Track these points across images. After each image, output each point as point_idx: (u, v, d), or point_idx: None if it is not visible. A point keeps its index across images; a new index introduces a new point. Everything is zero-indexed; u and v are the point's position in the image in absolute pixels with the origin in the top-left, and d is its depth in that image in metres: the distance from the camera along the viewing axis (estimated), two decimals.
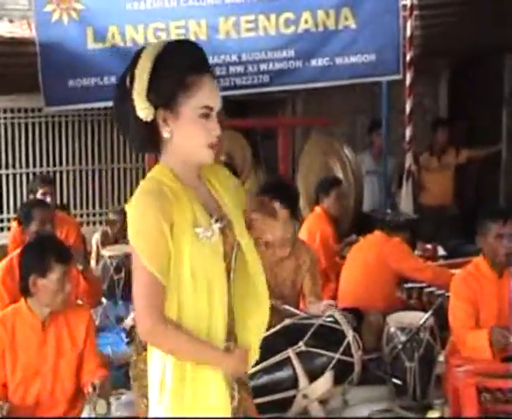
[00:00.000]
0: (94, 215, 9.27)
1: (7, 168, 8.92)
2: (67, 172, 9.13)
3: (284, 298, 4.72)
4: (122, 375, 4.81)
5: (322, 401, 4.18)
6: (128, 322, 5.56)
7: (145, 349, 2.33)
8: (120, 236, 6.89)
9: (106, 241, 6.90)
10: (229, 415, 2.30)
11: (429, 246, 6.72)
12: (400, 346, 4.37)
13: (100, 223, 9.06)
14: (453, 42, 8.13)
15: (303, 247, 5.05)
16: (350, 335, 4.28)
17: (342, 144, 7.65)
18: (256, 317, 2.43)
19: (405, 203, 7.35)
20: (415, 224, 6.37)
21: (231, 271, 2.36)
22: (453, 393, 4.01)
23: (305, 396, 4.07)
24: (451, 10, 7.58)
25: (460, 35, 7.91)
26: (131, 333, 5.42)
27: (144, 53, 2.24)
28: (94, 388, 3.45)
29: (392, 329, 4.52)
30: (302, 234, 6.25)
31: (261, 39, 6.97)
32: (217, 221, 2.28)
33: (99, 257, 6.63)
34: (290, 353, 4.09)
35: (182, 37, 6.75)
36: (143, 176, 7.70)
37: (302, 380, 4.06)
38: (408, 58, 7.18)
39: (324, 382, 4.10)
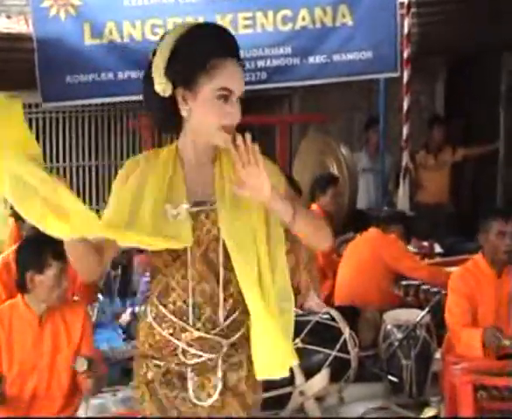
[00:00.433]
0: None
1: None
2: (64, 168, 9.11)
3: None
4: (119, 371, 4.82)
5: (319, 399, 4.19)
6: (124, 318, 5.57)
7: None
8: None
9: None
10: None
11: (425, 244, 6.73)
12: (397, 344, 4.39)
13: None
14: (451, 40, 8.13)
15: (301, 244, 5.07)
16: (347, 332, 4.29)
17: (339, 142, 7.66)
18: (263, 338, 2.33)
19: (402, 201, 7.36)
20: (408, 218, 6.38)
21: (213, 259, 2.31)
22: (450, 390, 4.02)
23: (301, 393, 4.08)
24: (448, 8, 7.58)
25: (457, 33, 7.91)
26: (128, 329, 5.43)
27: (172, 31, 2.28)
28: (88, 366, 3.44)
29: (389, 326, 4.53)
30: None
31: (258, 36, 6.97)
32: (195, 204, 2.28)
33: None
34: None
35: None
36: None
37: (299, 377, 4.07)
38: (405, 55, 7.19)
39: (320, 379, 4.11)
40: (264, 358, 2.34)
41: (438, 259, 6.37)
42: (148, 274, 3.94)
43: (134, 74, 6.80)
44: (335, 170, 7.34)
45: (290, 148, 8.69)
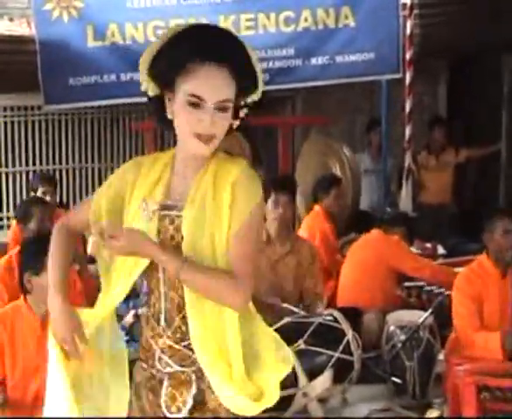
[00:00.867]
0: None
1: (7, 166, 8.92)
2: (67, 170, 9.13)
3: (286, 295, 4.72)
4: None
5: (322, 400, 4.18)
6: (127, 320, 5.56)
7: None
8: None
9: None
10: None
11: (429, 245, 6.73)
12: (400, 345, 4.38)
13: None
14: (453, 41, 8.13)
15: (304, 243, 5.07)
16: (350, 334, 4.28)
17: (341, 144, 7.66)
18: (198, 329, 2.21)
19: (405, 202, 7.35)
20: (411, 220, 6.37)
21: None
22: (453, 391, 4.02)
23: (304, 395, 4.07)
24: (450, 10, 7.58)
25: (459, 34, 7.92)
26: (130, 331, 5.43)
27: (169, 29, 2.23)
28: None
29: (392, 328, 4.52)
30: (302, 233, 6.25)
31: (261, 37, 6.97)
32: (164, 208, 2.25)
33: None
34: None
35: None
36: None
37: (302, 378, 4.06)
38: (408, 56, 7.18)
39: (323, 381, 4.11)
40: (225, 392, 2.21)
41: (441, 260, 6.37)
42: None
43: (136, 76, 6.73)
44: (337, 171, 7.33)
45: (292, 150, 8.70)
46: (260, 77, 2.26)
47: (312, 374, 4.09)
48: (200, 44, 2.15)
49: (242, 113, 2.31)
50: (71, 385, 2.35)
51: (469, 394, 3.80)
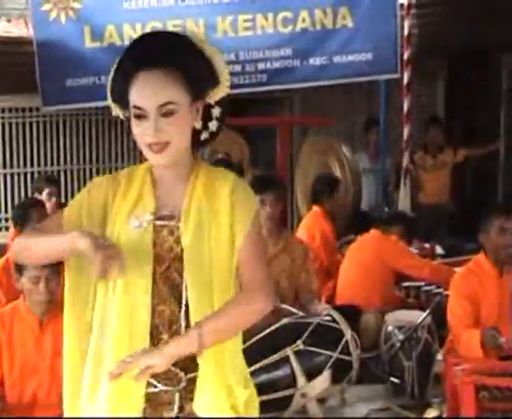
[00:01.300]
0: None
1: (4, 167, 8.91)
2: (65, 171, 9.12)
3: (281, 293, 4.72)
4: None
5: (321, 400, 4.18)
6: None
7: None
8: None
9: None
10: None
11: (427, 245, 6.73)
12: (398, 345, 4.38)
13: None
14: (450, 41, 8.14)
15: (296, 241, 5.08)
16: (348, 334, 4.28)
17: (341, 143, 7.66)
18: (212, 372, 2.13)
19: (403, 202, 7.36)
20: (409, 219, 6.37)
21: (175, 280, 2.15)
22: (451, 391, 4.01)
23: (303, 395, 4.07)
24: (448, 9, 7.58)
25: (457, 34, 7.92)
26: None
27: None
28: None
29: (390, 328, 4.52)
30: (301, 233, 6.25)
31: (259, 38, 6.97)
32: (160, 218, 2.16)
33: None
34: (288, 351, 4.09)
35: None
36: None
37: (300, 378, 4.06)
38: (405, 56, 7.19)
39: (322, 381, 4.10)
40: (204, 395, 2.14)
41: (439, 260, 6.38)
42: None
43: None
44: (337, 171, 7.34)
45: (290, 150, 8.70)
46: (223, 72, 2.17)
47: (311, 375, 4.09)
48: (136, 54, 2.10)
49: (217, 112, 2.22)
50: None
51: (468, 393, 3.79)
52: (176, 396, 2.16)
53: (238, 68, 6.82)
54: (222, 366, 2.15)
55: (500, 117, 9.66)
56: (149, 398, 2.15)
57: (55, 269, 3.62)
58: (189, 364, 2.14)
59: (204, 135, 2.24)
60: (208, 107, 2.20)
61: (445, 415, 4.14)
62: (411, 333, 4.36)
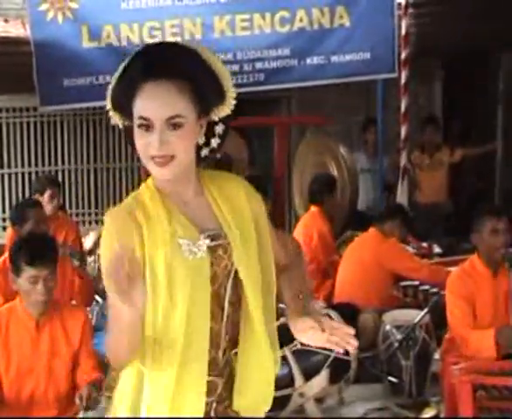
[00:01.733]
0: (89, 214, 9.27)
1: (2, 167, 8.92)
2: (62, 171, 9.12)
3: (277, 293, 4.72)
4: None
5: (319, 400, 4.19)
6: None
7: None
8: None
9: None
10: None
11: (424, 244, 6.74)
12: (396, 344, 4.39)
13: (96, 222, 9.06)
14: (448, 40, 8.14)
15: (287, 240, 5.07)
16: None
17: (338, 143, 7.66)
18: (255, 371, 2.20)
19: (401, 201, 7.35)
20: (406, 211, 6.35)
21: (226, 300, 2.16)
22: (449, 390, 4.02)
23: (301, 395, 4.08)
24: (445, 9, 7.58)
25: (455, 33, 7.93)
26: None
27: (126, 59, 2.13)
28: (81, 399, 3.45)
29: (388, 327, 4.53)
30: (298, 233, 6.26)
31: (256, 38, 6.96)
32: (212, 238, 2.11)
33: (95, 257, 6.63)
34: (286, 351, 4.09)
35: (177, 36, 6.77)
36: (138, 176, 7.71)
37: (298, 378, 4.07)
38: (403, 56, 7.19)
39: (320, 381, 4.11)
40: (248, 396, 2.20)
41: (436, 259, 6.38)
42: None
43: None
44: (334, 171, 7.34)
45: (288, 150, 8.70)
46: (229, 90, 2.14)
47: (308, 374, 4.10)
48: (144, 64, 2.04)
49: (219, 129, 2.18)
50: None
51: (465, 392, 3.80)
52: (214, 405, 2.18)
53: (235, 68, 6.82)
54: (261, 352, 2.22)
55: (497, 117, 9.67)
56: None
57: (52, 269, 3.63)
58: (222, 369, 2.18)
59: (205, 152, 2.20)
60: (212, 124, 2.17)
61: (442, 414, 4.15)
62: (408, 332, 4.37)
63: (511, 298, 4.04)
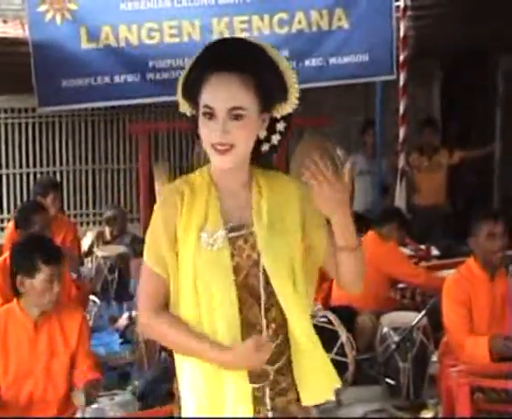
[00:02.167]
0: (88, 215, 9.27)
1: (0, 168, 8.92)
2: (61, 172, 9.12)
3: None
4: (116, 376, 4.81)
5: None
6: (121, 322, 5.56)
7: None
8: (119, 232, 6.91)
9: (102, 240, 6.91)
10: None
11: (422, 246, 6.74)
12: (394, 347, 4.39)
13: (94, 223, 9.06)
14: (446, 42, 8.15)
15: None
16: (344, 335, 4.28)
17: (335, 145, 7.66)
18: (307, 361, 2.30)
19: (399, 203, 7.36)
20: (403, 214, 6.35)
21: (254, 284, 2.20)
22: (447, 392, 4.02)
23: None
24: (444, 11, 7.59)
25: (453, 35, 7.93)
26: (124, 333, 5.42)
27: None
28: (78, 398, 3.45)
29: (386, 329, 4.53)
30: None
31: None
32: (232, 229, 2.19)
33: (92, 258, 6.64)
34: None
35: (175, 38, 6.78)
36: (136, 177, 7.69)
37: None
38: (401, 58, 7.20)
39: None
40: (309, 384, 2.29)
41: (434, 262, 6.38)
42: None
43: (130, 78, 6.81)
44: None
45: (287, 150, 8.70)
46: (293, 89, 2.25)
47: None
48: (213, 55, 2.15)
49: (281, 127, 2.30)
50: None
51: (463, 394, 3.80)
52: (267, 390, 2.23)
53: None
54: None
55: (495, 118, 9.67)
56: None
57: (61, 267, 3.63)
58: (273, 357, 2.20)
59: (265, 147, 2.30)
60: (273, 120, 2.26)
61: (440, 416, 4.15)
62: (406, 334, 4.37)
63: (510, 303, 4.04)
